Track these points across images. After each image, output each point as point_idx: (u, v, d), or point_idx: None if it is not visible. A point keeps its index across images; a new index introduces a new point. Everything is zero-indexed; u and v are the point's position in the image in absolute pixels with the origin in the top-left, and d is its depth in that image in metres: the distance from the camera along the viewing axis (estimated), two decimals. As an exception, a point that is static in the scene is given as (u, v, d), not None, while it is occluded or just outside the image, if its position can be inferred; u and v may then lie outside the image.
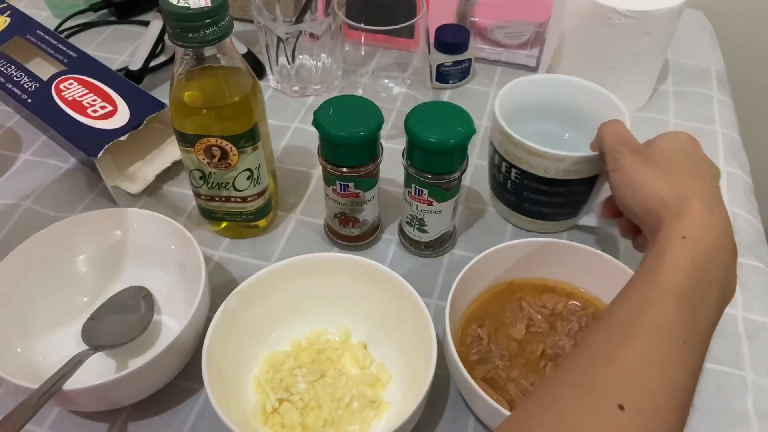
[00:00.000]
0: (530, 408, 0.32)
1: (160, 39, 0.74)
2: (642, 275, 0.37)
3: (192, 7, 0.42)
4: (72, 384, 0.41)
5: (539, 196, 0.55)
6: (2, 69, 0.68)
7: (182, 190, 0.63)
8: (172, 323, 0.51)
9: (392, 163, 0.58)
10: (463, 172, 0.51)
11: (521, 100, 0.58)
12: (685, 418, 0.32)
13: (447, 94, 0.75)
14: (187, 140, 0.50)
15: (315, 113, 0.49)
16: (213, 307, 0.46)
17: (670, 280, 0.35)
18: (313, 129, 0.49)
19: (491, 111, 0.71)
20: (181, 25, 0.43)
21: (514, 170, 0.54)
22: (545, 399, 0.32)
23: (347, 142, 0.48)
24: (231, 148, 0.49)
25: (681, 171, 0.42)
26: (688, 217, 0.38)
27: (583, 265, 0.50)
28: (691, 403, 0.33)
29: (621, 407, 0.30)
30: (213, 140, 0.49)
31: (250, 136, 0.50)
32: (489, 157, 0.58)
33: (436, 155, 0.48)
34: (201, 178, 0.52)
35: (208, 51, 0.46)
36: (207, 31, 0.43)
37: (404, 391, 0.46)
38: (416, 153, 0.49)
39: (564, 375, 0.33)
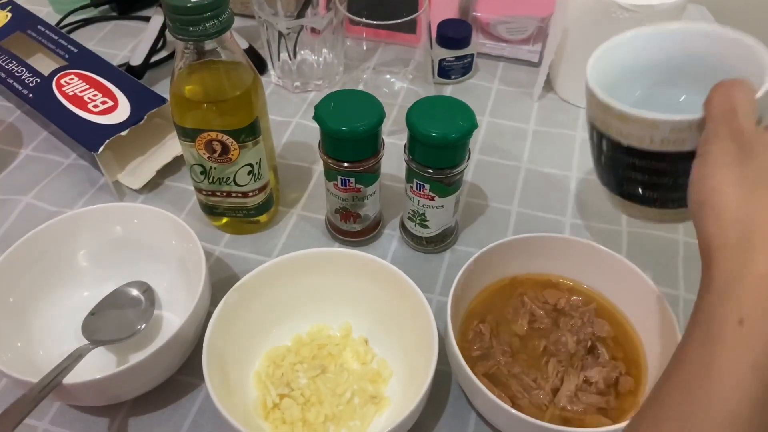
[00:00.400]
0: None
1: (161, 35, 0.73)
2: (686, 373, 0.27)
3: (192, 0, 0.42)
4: (72, 378, 0.41)
5: (637, 175, 0.43)
6: (3, 64, 0.68)
7: (183, 185, 0.63)
8: (173, 318, 0.51)
9: (393, 159, 0.58)
10: (465, 167, 0.50)
11: (641, 57, 0.48)
12: None
13: (449, 90, 0.74)
14: (187, 135, 0.49)
15: (316, 107, 0.49)
16: (214, 302, 0.46)
17: (720, 403, 0.25)
18: (315, 124, 0.49)
19: (493, 107, 0.72)
20: (182, 18, 0.43)
21: (604, 140, 0.43)
22: None
23: (348, 136, 0.48)
24: (232, 142, 0.49)
25: None
26: (747, 282, 0.27)
27: (585, 260, 0.49)
28: None
29: None
30: (214, 135, 0.49)
31: (250, 131, 0.50)
32: (588, 131, 0.47)
33: (438, 150, 0.48)
34: (202, 173, 0.52)
35: (209, 45, 0.46)
36: (207, 25, 0.43)
37: (405, 386, 0.46)
38: (418, 147, 0.49)
39: None
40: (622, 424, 0.38)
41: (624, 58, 0.47)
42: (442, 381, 0.48)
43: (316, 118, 0.49)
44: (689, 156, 0.38)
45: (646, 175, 0.43)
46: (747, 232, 0.28)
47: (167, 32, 0.75)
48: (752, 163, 0.31)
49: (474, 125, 0.47)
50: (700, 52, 0.46)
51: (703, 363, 0.26)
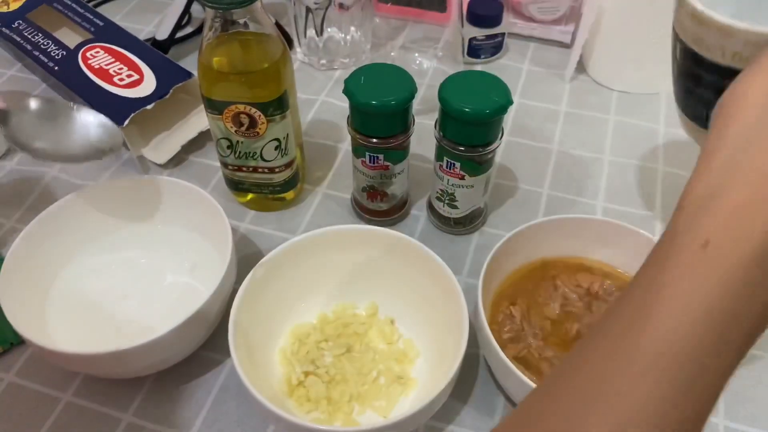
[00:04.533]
0: None
1: (186, 10, 0.72)
2: (631, 300, 0.25)
3: (223, -34, 0.41)
4: (94, 348, 0.40)
5: (703, 92, 0.37)
6: (29, 37, 0.67)
7: (208, 161, 0.62)
8: (198, 292, 0.50)
9: (420, 139, 0.56)
10: (498, 145, 0.49)
11: None
12: None
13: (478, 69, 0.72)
14: (215, 107, 0.48)
15: (346, 81, 0.48)
16: (239, 279, 0.45)
17: (664, 333, 0.23)
18: (341, 103, 0.48)
19: (524, 88, 0.70)
20: (212, -15, 0.42)
21: (678, 46, 0.38)
22: None
23: (378, 111, 0.47)
24: (260, 115, 0.48)
25: None
26: (723, 208, 0.24)
27: (620, 243, 0.48)
28: None
29: None
30: (241, 107, 0.48)
31: (278, 104, 0.49)
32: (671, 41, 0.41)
33: (471, 126, 0.46)
34: (228, 147, 0.51)
35: (238, 15, 0.45)
36: (238, -8, 0.42)
37: (433, 367, 0.45)
38: (450, 124, 0.47)
39: None
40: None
41: None
42: (470, 364, 0.47)
43: (345, 92, 0.47)
44: None
45: (712, 93, 0.36)
46: (743, 150, 0.24)
47: (192, 8, 0.74)
48: None
49: (509, 101, 0.46)
50: None
51: (657, 282, 0.24)
